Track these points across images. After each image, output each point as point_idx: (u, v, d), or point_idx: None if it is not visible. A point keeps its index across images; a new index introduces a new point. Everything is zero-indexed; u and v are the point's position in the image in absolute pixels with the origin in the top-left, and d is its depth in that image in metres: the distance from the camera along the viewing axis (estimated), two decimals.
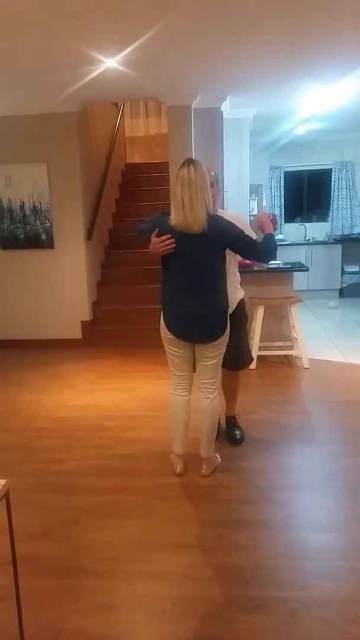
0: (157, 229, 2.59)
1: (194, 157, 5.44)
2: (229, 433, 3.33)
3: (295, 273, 5.04)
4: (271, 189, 8.80)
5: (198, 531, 2.40)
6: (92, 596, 2.04)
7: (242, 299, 3.12)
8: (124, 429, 3.56)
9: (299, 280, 5.26)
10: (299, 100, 5.61)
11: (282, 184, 8.84)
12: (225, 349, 2.75)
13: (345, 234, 8.53)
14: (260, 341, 4.77)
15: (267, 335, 4.90)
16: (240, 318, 3.10)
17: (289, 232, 8.81)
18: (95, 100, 5.84)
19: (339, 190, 8.64)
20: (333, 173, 8.64)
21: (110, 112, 7.03)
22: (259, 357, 4.79)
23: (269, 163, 8.66)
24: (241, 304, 3.10)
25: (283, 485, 2.80)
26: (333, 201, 8.69)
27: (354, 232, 8.52)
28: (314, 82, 4.89)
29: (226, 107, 5.76)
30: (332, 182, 8.67)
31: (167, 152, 5.64)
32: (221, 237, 2.56)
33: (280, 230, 8.87)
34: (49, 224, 5.72)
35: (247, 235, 2.62)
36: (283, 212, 8.93)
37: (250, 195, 6.80)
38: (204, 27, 3.39)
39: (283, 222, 8.92)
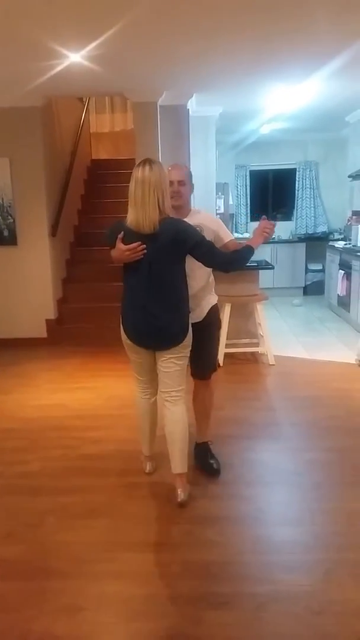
0: (121, 232, 2.46)
1: (160, 153, 5.49)
2: (203, 462, 2.92)
3: (260, 271, 5.09)
4: (237, 187, 8.86)
5: (165, 529, 2.40)
6: (59, 598, 2.01)
7: (215, 304, 2.90)
8: (90, 428, 3.52)
9: (265, 278, 5.31)
10: (264, 100, 5.66)
11: (248, 183, 8.91)
12: (187, 355, 2.60)
13: (309, 233, 8.68)
14: (227, 338, 4.80)
15: (233, 333, 4.94)
16: (212, 324, 2.89)
17: None
18: (60, 95, 5.74)
19: (303, 190, 8.77)
20: (297, 172, 8.76)
21: (75, 107, 6.93)
22: (226, 354, 4.82)
23: (234, 162, 8.72)
24: (213, 309, 2.87)
25: (249, 480, 2.82)
26: (297, 200, 8.82)
27: (318, 232, 8.67)
28: (279, 82, 4.95)
29: (192, 105, 5.77)
30: (297, 182, 8.79)
31: (134, 149, 5.61)
32: (179, 241, 2.41)
33: (247, 229, 8.95)
34: (11, 220, 5.60)
35: (207, 242, 2.49)
36: (249, 211, 9.00)
37: (217, 194, 6.84)
38: (170, 23, 3.37)
39: (249, 220, 9.00)
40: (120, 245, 2.45)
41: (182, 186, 2.65)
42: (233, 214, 8.79)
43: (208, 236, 2.60)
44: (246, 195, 8.94)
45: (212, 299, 2.88)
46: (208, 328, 2.83)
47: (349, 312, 6.18)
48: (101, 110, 8.02)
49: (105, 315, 5.78)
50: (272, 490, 2.75)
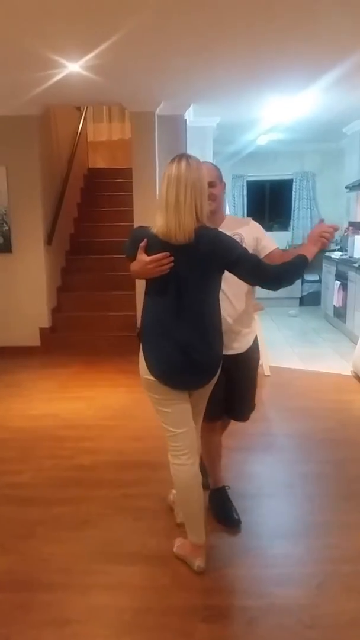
0: (144, 239, 2.02)
1: (157, 163, 5.51)
2: (221, 512, 2.52)
3: None
4: (234, 197, 8.90)
5: (157, 541, 2.36)
6: (47, 610, 1.97)
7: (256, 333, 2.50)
8: (83, 439, 3.49)
9: (261, 288, 5.31)
10: (262, 111, 5.70)
11: (245, 193, 8.95)
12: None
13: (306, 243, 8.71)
14: None
15: None
16: (255, 358, 2.50)
17: None
18: (58, 104, 5.77)
19: (299, 200, 8.82)
20: (294, 183, 8.81)
21: (72, 116, 6.96)
22: None
23: (232, 172, 8.76)
24: (256, 339, 2.48)
25: (243, 492, 2.79)
26: (294, 211, 8.86)
27: None
28: (276, 93, 4.98)
29: (190, 115, 5.80)
30: (293, 192, 8.83)
31: (130, 158, 5.63)
32: (218, 256, 1.97)
33: None
34: (6, 228, 5.59)
35: (251, 256, 2.06)
36: None
37: None
38: (168, 34, 3.40)
39: None
40: (142, 257, 2.00)
41: (214, 187, 2.21)
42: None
43: (249, 246, 2.23)
44: (243, 205, 8.98)
45: (255, 325, 2.50)
46: (250, 362, 2.45)
47: (344, 323, 6.18)
48: (99, 119, 8.06)
49: (100, 325, 5.78)
50: (266, 502, 2.72)
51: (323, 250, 2.23)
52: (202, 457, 2.44)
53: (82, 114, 7.20)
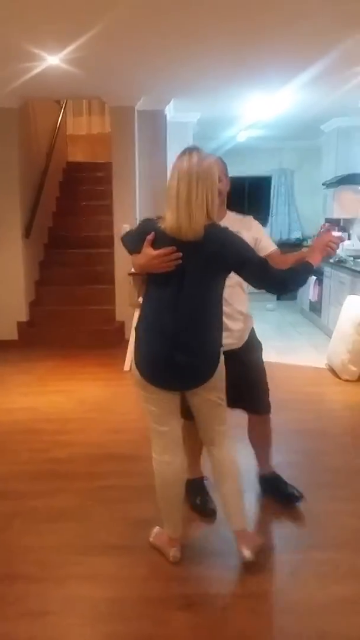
0: (152, 232, 1.94)
1: (137, 158, 5.51)
2: (280, 493, 2.57)
3: None
4: None
5: (133, 532, 2.39)
6: (23, 602, 1.98)
7: (252, 327, 2.52)
8: (60, 432, 3.49)
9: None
10: (242, 107, 5.73)
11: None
12: (223, 387, 2.10)
13: (284, 239, 8.79)
14: None
15: None
16: (256, 347, 2.52)
17: None
18: (37, 97, 5.72)
19: (278, 197, 8.89)
20: (273, 180, 8.88)
21: (52, 109, 6.90)
22: None
23: None
24: (253, 330, 2.51)
25: None
26: (272, 207, 8.93)
27: (292, 238, 8.80)
28: (256, 90, 5.02)
29: (170, 111, 5.80)
30: (272, 189, 8.91)
31: (110, 152, 5.61)
32: (226, 256, 1.91)
33: None
34: None
35: (259, 259, 1.98)
36: None
37: None
38: (148, 28, 3.40)
39: None
40: (148, 250, 1.93)
41: (219, 182, 2.07)
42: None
43: None
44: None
45: (251, 319, 2.50)
46: (253, 351, 2.47)
47: (320, 317, 6.28)
48: (78, 112, 8.00)
49: (78, 319, 5.77)
50: None
51: (326, 258, 2.20)
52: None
53: (61, 107, 7.14)
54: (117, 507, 2.59)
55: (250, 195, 9.22)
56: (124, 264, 5.54)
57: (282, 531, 2.41)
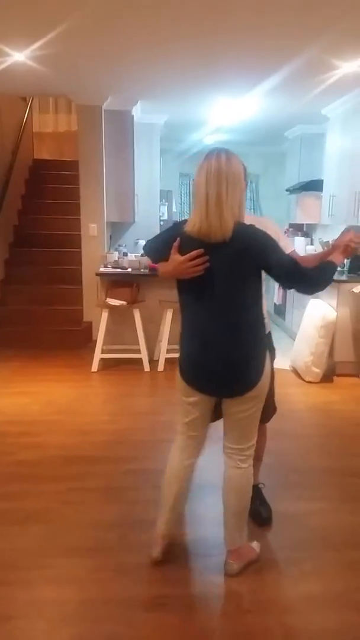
0: (176, 239, 1.92)
1: (104, 157, 5.49)
2: (251, 508, 2.37)
3: None
4: (181, 195, 8.98)
5: (102, 534, 2.39)
6: None
7: (269, 332, 2.35)
8: (27, 434, 3.45)
9: None
10: (208, 111, 5.79)
11: (192, 191, 9.04)
12: (264, 400, 2.05)
13: None
14: (169, 344, 4.84)
15: (175, 338, 4.98)
16: (270, 352, 2.33)
17: None
18: (2, 93, 5.62)
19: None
20: None
21: (17, 106, 6.80)
22: (167, 360, 4.86)
23: (179, 170, 8.83)
24: (269, 336, 2.38)
25: None
26: None
27: None
28: (222, 95, 5.08)
29: (137, 112, 5.81)
30: None
31: (77, 151, 5.57)
32: (254, 255, 1.87)
33: None
34: None
35: (289, 257, 1.94)
36: None
37: (161, 201, 6.90)
38: (116, 29, 3.40)
39: None
40: (175, 257, 1.90)
41: None
42: (176, 221, 8.88)
43: None
44: (189, 203, 9.07)
45: (268, 323, 2.33)
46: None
47: (284, 320, 6.40)
48: (45, 110, 7.90)
49: (45, 319, 5.70)
50: (209, 492, 2.79)
51: (348, 258, 2.23)
52: None
53: (27, 104, 7.04)
54: (84, 510, 2.59)
55: None
56: (91, 263, 5.52)
57: (249, 529, 2.45)
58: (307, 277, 1.93)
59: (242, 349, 1.94)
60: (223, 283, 1.89)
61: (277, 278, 1.94)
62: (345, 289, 4.61)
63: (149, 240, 2.17)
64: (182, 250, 1.90)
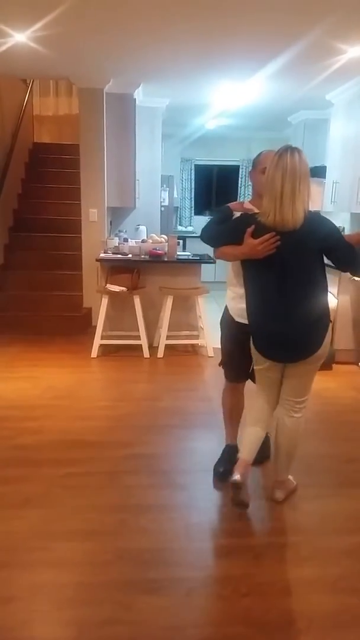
0: (252, 226, 2.22)
1: (105, 141, 5.43)
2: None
3: (202, 265, 5.16)
4: (182, 181, 8.91)
5: (100, 518, 2.41)
6: None
7: None
8: (26, 418, 3.46)
9: (206, 271, 5.39)
10: (211, 95, 5.72)
11: (193, 177, 8.98)
12: (319, 365, 2.40)
13: None
14: (168, 330, 4.84)
15: (174, 325, 4.99)
16: None
17: (198, 224, 8.99)
18: (2, 75, 5.54)
19: (245, 187, 8.95)
20: (240, 169, 8.92)
21: (18, 88, 6.72)
22: (167, 346, 4.87)
23: (180, 155, 8.76)
24: None
25: (185, 468, 2.88)
26: (240, 196, 8.98)
27: None
28: (225, 78, 5.01)
29: (139, 95, 5.73)
30: (240, 179, 8.95)
31: (78, 134, 5.52)
32: (323, 238, 2.20)
33: (190, 222, 9.01)
34: None
35: (345, 241, 2.26)
36: (193, 205, 9.08)
37: (162, 186, 6.84)
38: (118, 10, 3.34)
39: (193, 214, 9.08)
40: (250, 240, 2.22)
41: None
42: (177, 207, 8.83)
43: None
44: (191, 189, 9.02)
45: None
46: None
47: None
48: (45, 93, 7.81)
49: (44, 304, 5.69)
50: (206, 478, 2.82)
51: None
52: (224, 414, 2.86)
53: (28, 87, 6.96)
54: (84, 494, 2.60)
55: (218, 183, 9.26)
56: (91, 249, 5.49)
57: (242, 515, 2.47)
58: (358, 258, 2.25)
59: (308, 319, 2.25)
60: (293, 263, 2.20)
61: (336, 260, 2.26)
62: (346, 277, 4.59)
63: (206, 229, 2.50)
64: (254, 236, 2.21)
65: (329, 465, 2.96)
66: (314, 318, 2.27)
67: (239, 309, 2.53)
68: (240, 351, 2.56)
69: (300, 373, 2.38)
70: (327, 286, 2.32)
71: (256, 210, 2.37)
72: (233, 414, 2.82)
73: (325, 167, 5.87)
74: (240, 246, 2.27)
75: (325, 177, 5.85)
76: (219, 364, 2.83)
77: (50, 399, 3.81)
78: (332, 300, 4.60)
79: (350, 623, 1.86)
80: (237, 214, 2.47)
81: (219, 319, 2.79)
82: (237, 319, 2.58)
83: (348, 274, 4.42)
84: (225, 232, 2.40)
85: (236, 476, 2.34)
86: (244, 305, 2.44)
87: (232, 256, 2.40)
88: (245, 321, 2.45)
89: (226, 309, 2.69)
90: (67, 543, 2.23)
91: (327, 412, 3.73)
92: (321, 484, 2.77)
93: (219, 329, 2.79)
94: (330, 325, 2.40)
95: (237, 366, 2.69)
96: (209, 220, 2.60)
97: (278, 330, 2.28)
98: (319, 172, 5.96)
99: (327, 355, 2.41)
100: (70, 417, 3.49)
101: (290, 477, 2.63)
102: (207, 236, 2.50)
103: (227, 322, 2.67)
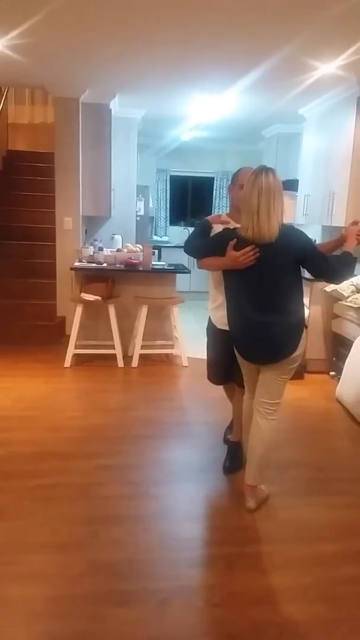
0: (233, 239, 2.39)
1: (80, 150, 5.43)
2: (233, 458, 3.01)
3: (178, 275, 5.18)
4: (157, 191, 8.95)
5: (72, 530, 2.38)
6: None
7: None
8: None
9: (181, 281, 5.42)
10: (186, 107, 5.78)
11: (168, 187, 9.04)
12: (293, 370, 2.53)
13: None
14: (143, 340, 4.83)
15: (149, 334, 4.98)
16: None
17: (173, 234, 9.03)
18: None
19: (220, 199, 9.05)
20: (215, 181, 9.02)
21: None
22: (141, 356, 4.85)
23: (156, 166, 8.80)
24: None
25: (158, 479, 2.87)
26: (215, 208, 9.07)
27: None
28: (200, 91, 5.07)
29: (115, 105, 5.76)
30: (214, 190, 9.04)
31: (53, 143, 5.50)
32: (296, 250, 2.36)
33: (166, 232, 9.04)
34: None
35: (319, 252, 2.42)
36: (168, 215, 9.13)
37: (137, 196, 6.87)
38: (94, 20, 3.36)
39: (168, 224, 9.12)
40: (232, 252, 2.39)
41: None
42: (153, 217, 8.86)
43: None
44: (166, 199, 9.07)
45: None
46: None
47: None
48: (20, 101, 7.75)
49: (17, 313, 5.61)
50: (179, 488, 2.81)
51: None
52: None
53: (3, 94, 6.91)
54: (55, 505, 2.56)
55: (193, 194, 9.34)
56: (65, 258, 5.46)
57: (218, 524, 2.48)
58: (335, 268, 2.40)
59: (283, 324, 2.40)
60: (270, 272, 2.36)
61: (311, 269, 2.41)
62: (317, 288, 4.67)
63: (190, 241, 2.75)
64: (235, 248, 2.38)
65: (302, 474, 2.99)
66: (288, 323, 2.42)
67: (220, 316, 2.75)
68: (223, 355, 2.81)
69: (275, 375, 2.50)
70: (302, 294, 2.47)
71: (232, 222, 2.65)
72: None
73: (298, 180, 5.98)
74: (223, 257, 2.44)
75: (297, 191, 5.95)
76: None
77: (21, 409, 3.75)
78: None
79: (321, 632, 1.87)
80: (216, 226, 2.69)
81: (195, 329, 2.91)
82: (220, 327, 2.80)
83: (321, 284, 4.50)
84: (209, 245, 2.60)
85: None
86: (224, 313, 2.63)
87: (216, 266, 2.57)
88: (227, 328, 2.64)
89: (209, 317, 2.92)
90: (38, 556, 2.19)
91: (300, 421, 3.77)
92: (294, 492, 2.79)
93: (195, 338, 2.94)
94: (305, 330, 2.54)
95: (222, 369, 2.93)
96: (190, 233, 2.82)
97: (255, 334, 2.44)
98: (291, 185, 6.07)
99: (299, 364, 2.54)
100: (41, 427, 3.44)
101: (262, 486, 2.68)
102: (191, 248, 2.72)
103: (211, 329, 2.91)
